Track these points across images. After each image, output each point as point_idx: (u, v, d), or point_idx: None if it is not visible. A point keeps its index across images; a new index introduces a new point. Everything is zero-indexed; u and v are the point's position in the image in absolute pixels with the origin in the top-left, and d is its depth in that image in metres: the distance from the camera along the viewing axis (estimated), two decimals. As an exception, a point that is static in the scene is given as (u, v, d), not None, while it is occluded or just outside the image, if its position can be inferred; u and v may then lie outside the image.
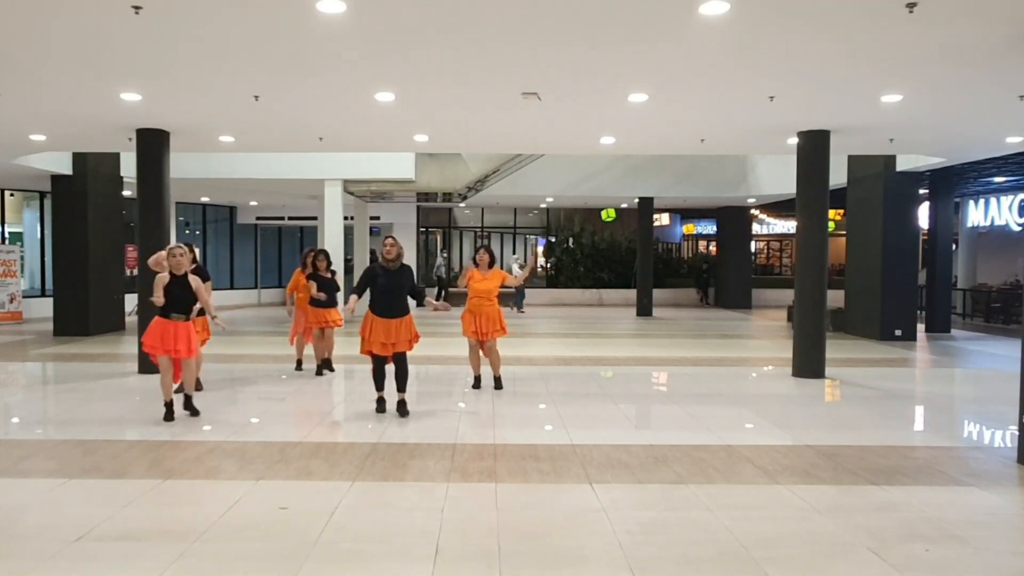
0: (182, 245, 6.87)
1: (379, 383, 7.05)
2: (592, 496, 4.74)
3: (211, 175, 15.19)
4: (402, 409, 6.93)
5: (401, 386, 6.98)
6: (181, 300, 6.66)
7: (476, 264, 8.27)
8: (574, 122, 9.25)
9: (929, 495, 4.83)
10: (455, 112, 8.68)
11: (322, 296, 8.94)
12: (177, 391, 6.91)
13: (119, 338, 13.36)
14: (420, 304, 7.23)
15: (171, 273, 6.65)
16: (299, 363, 9.65)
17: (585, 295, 23.35)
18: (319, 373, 9.26)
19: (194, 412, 6.83)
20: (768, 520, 4.34)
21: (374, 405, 7.10)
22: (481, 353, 8.36)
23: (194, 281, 6.73)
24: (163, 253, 7.01)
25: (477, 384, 8.39)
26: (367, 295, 6.95)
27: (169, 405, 6.69)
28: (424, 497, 4.71)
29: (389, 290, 6.80)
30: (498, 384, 8.37)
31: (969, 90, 7.44)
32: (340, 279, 9.92)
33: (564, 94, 7.75)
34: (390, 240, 6.94)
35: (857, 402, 8.03)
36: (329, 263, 9.23)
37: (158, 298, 6.53)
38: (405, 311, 6.91)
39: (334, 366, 9.51)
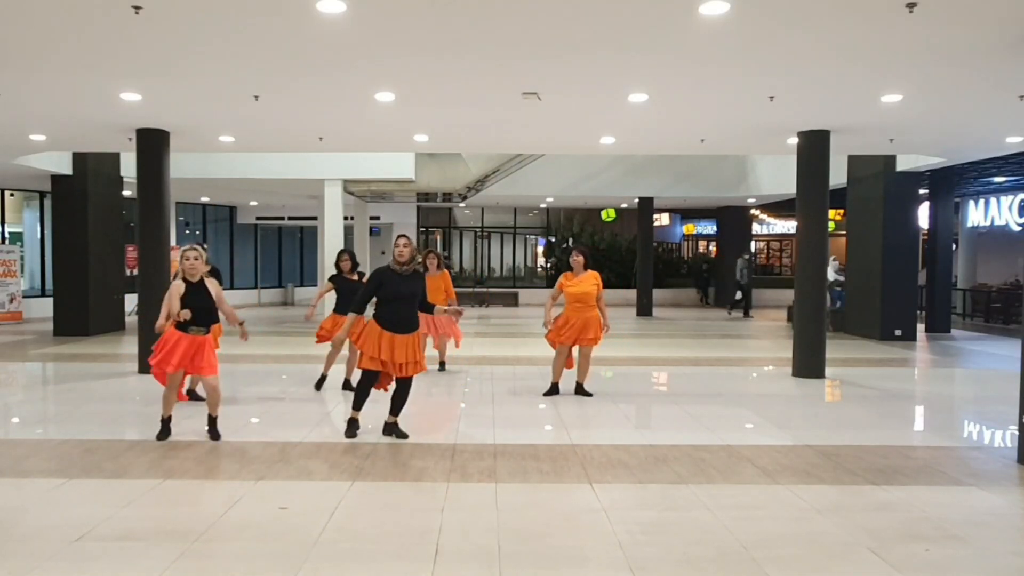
0: (196, 247, 5.95)
1: (362, 401, 6.07)
2: (592, 496, 4.73)
3: (211, 175, 15.19)
4: (398, 432, 6.09)
5: (397, 410, 6.13)
6: (201, 310, 5.80)
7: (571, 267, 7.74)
8: (574, 122, 9.25)
9: (929, 495, 4.82)
10: (455, 112, 8.68)
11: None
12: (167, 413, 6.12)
13: (119, 338, 13.36)
14: (429, 312, 6.32)
15: (185, 280, 5.83)
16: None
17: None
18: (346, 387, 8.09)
19: (216, 436, 6.03)
20: (768, 520, 4.34)
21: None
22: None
23: (213, 287, 5.95)
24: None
25: (555, 391, 7.91)
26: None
27: (167, 422, 6.05)
28: (424, 497, 4.70)
29: (399, 298, 5.82)
30: (584, 391, 7.90)
31: (969, 90, 7.44)
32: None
33: (564, 94, 7.74)
34: (403, 239, 5.92)
35: (857, 402, 8.03)
36: (355, 264, 8.19)
37: (182, 312, 5.69)
38: (416, 325, 5.93)
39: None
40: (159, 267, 9.57)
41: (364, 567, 3.66)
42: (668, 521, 4.31)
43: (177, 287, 5.82)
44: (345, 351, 8.21)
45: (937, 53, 6.17)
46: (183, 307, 5.75)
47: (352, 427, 6.17)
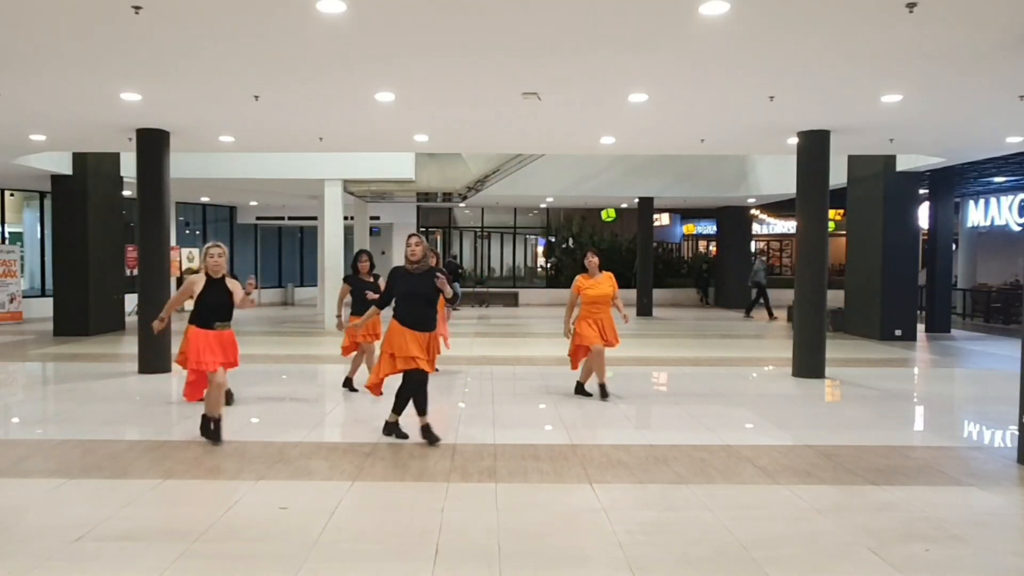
0: (220, 244, 6.09)
1: (404, 404, 6.06)
2: (592, 496, 4.73)
3: (211, 175, 15.20)
4: (398, 431, 6.08)
5: (399, 409, 6.09)
6: (221, 306, 5.95)
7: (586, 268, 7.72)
8: (574, 122, 9.25)
9: (929, 495, 4.82)
10: (455, 112, 8.68)
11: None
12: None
13: (119, 338, 13.36)
14: (456, 307, 6.44)
15: (207, 275, 5.96)
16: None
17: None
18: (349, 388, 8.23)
19: (217, 439, 5.93)
20: (768, 520, 4.34)
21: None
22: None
23: (232, 284, 6.05)
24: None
25: (603, 393, 7.80)
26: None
27: (218, 422, 5.94)
28: (424, 497, 4.70)
29: (411, 296, 5.87)
30: (584, 392, 7.97)
31: (969, 90, 7.44)
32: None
33: (564, 94, 7.74)
34: (415, 239, 5.93)
35: (857, 402, 8.03)
36: (372, 265, 8.15)
37: (155, 323, 6.21)
38: (432, 325, 5.96)
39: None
40: (159, 267, 9.58)
41: (364, 567, 3.66)
42: (668, 521, 4.31)
43: (198, 280, 5.94)
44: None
45: (937, 53, 6.17)
46: (201, 301, 5.88)
47: (395, 430, 6.09)
